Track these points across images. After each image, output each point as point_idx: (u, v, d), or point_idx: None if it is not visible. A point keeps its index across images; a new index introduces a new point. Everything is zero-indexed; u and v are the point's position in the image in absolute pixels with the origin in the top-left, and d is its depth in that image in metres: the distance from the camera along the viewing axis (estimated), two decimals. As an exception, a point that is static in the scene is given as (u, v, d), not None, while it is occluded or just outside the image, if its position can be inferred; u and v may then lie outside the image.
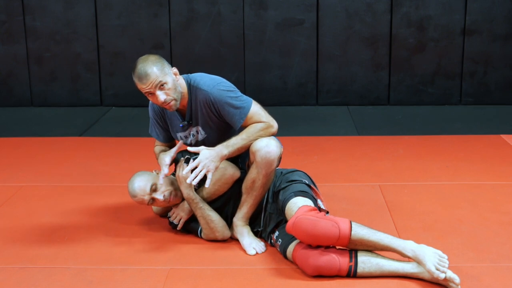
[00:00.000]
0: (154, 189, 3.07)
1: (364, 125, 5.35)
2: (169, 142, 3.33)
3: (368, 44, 5.86)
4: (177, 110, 3.13)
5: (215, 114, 3.07)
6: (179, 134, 3.22)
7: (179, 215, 3.18)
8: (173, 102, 3.01)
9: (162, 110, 3.22)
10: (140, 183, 3.08)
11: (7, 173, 4.23)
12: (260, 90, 5.96)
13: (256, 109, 3.05)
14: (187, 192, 3.05)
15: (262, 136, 3.00)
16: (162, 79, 2.96)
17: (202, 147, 2.96)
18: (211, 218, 3.08)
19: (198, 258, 3.00)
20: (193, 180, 2.88)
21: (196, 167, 2.90)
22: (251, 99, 3.08)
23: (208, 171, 2.90)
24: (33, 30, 5.94)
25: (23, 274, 2.87)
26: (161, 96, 2.97)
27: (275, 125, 3.05)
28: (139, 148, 4.69)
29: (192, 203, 3.07)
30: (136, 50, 5.93)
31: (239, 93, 3.08)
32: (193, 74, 3.15)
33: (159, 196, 3.06)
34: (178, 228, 3.21)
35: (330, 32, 5.85)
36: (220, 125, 3.12)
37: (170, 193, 3.09)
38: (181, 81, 3.08)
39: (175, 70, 3.06)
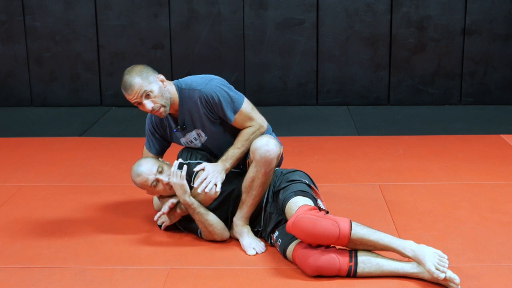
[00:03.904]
0: (160, 171, 3.08)
1: (364, 125, 5.35)
2: (160, 155, 3.36)
3: (368, 44, 5.86)
4: (171, 116, 3.16)
5: (210, 112, 3.09)
6: (182, 140, 3.23)
7: (162, 219, 3.22)
8: (162, 109, 3.05)
9: (159, 121, 3.24)
10: (147, 164, 3.10)
11: (7, 173, 4.23)
12: (260, 90, 5.96)
13: (247, 107, 3.14)
14: (183, 198, 3.05)
15: (254, 139, 3.09)
16: (147, 88, 3.00)
17: (205, 163, 3.09)
18: (209, 222, 3.09)
19: (198, 258, 3.00)
20: (205, 188, 3.01)
21: (205, 179, 3.03)
22: (243, 95, 3.16)
23: (216, 183, 3.03)
24: (33, 30, 5.94)
25: (23, 274, 2.87)
26: (148, 104, 3.02)
27: (264, 125, 3.17)
28: (139, 148, 4.66)
29: (189, 208, 3.07)
30: (136, 50, 5.94)
31: (232, 88, 3.15)
32: (183, 78, 3.19)
33: (164, 177, 3.07)
34: (161, 228, 3.27)
35: (330, 32, 5.85)
36: (215, 127, 3.14)
37: None
38: (169, 87, 3.10)
39: (161, 77, 3.08)
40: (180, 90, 3.11)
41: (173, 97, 3.10)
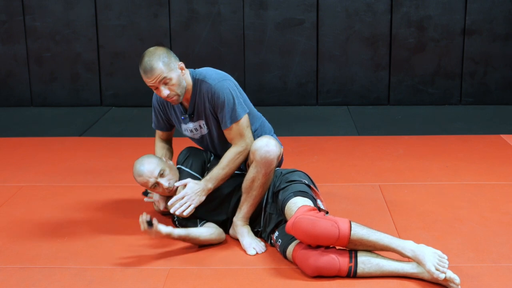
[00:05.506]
0: (161, 174, 3.09)
1: (364, 125, 5.35)
2: (167, 132, 3.39)
3: (368, 44, 5.86)
4: (181, 103, 3.17)
5: (212, 109, 3.10)
6: (184, 126, 3.24)
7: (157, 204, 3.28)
8: (175, 97, 3.07)
9: (164, 103, 3.25)
10: (150, 166, 3.10)
11: (7, 173, 4.23)
12: (260, 90, 5.96)
13: (244, 123, 3.12)
14: (167, 236, 3.00)
15: (240, 160, 3.10)
16: (167, 75, 3.00)
17: (189, 179, 3.08)
18: (201, 238, 3.07)
19: (198, 258, 3.00)
20: (177, 210, 3.01)
21: (182, 198, 3.04)
22: (247, 110, 3.14)
23: (190, 204, 3.03)
24: (33, 30, 5.94)
25: (23, 274, 2.87)
26: (165, 91, 3.02)
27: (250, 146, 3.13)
28: (139, 148, 4.68)
29: (179, 239, 3.05)
30: (136, 50, 5.93)
31: (240, 97, 3.13)
32: (200, 69, 3.20)
33: (164, 182, 3.08)
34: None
35: (330, 32, 5.85)
36: (215, 125, 3.15)
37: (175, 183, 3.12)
38: (187, 75, 3.13)
39: (181, 64, 3.08)
40: (194, 80, 3.13)
41: (187, 85, 3.12)
